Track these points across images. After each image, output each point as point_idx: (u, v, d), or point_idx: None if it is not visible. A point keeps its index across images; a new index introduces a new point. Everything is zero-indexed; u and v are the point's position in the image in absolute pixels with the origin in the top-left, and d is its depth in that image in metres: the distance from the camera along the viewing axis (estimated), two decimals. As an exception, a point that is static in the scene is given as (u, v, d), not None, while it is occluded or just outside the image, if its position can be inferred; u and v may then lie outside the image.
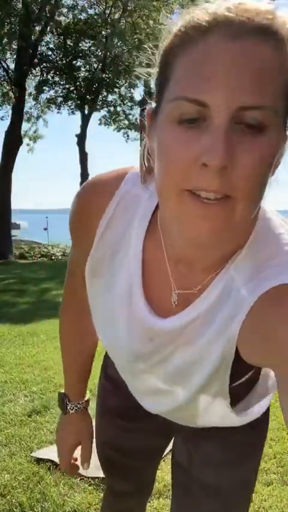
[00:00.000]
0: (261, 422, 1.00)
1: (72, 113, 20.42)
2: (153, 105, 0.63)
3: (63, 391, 1.12)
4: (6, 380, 3.66)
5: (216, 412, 0.83)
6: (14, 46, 16.32)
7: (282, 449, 2.56)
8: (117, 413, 1.09)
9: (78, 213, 0.80)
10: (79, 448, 1.14)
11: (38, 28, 16.55)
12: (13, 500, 2.11)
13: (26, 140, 19.31)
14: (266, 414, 1.02)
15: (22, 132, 17.74)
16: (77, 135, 19.70)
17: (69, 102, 20.41)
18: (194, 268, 0.69)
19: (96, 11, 18.16)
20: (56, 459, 2.38)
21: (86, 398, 1.11)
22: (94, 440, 1.15)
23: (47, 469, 2.37)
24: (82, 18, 18.10)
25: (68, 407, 1.08)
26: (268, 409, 1.04)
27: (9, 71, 16.68)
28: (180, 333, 0.72)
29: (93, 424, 1.15)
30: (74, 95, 20.04)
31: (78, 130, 19.80)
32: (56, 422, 2.85)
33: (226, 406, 0.80)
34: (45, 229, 26.65)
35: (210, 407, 0.82)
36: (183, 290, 0.70)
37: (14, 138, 16.49)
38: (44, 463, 2.41)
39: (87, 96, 20.01)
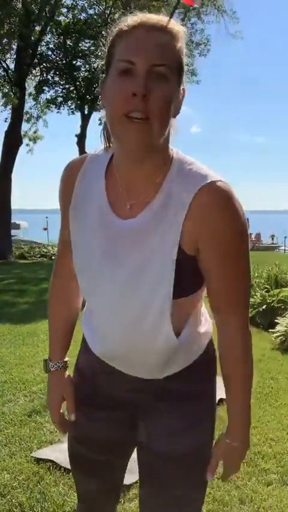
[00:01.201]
0: (206, 390, 1.17)
1: (72, 113, 20.41)
2: (102, 78, 1.01)
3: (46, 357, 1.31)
4: (6, 380, 3.66)
5: (163, 338, 1.03)
6: (14, 46, 16.30)
7: (282, 449, 2.56)
8: (85, 403, 1.22)
9: (62, 182, 1.14)
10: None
11: (38, 28, 16.54)
12: (13, 500, 2.12)
13: (25, 140, 19.29)
14: (210, 377, 1.18)
15: (22, 133, 17.74)
16: (77, 135, 19.69)
17: (69, 102, 20.39)
18: (138, 184, 1.00)
19: (96, 11, 18.16)
20: (56, 459, 2.39)
21: (65, 359, 1.28)
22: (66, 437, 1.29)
23: (47, 469, 2.37)
24: (82, 18, 18.10)
25: (50, 366, 1.26)
26: (211, 367, 1.19)
27: (9, 71, 16.67)
28: (139, 231, 0.99)
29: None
30: (74, 95, 20.03)
31: (78, 131, 19.80)
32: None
33: (168, 326, 1.02)
34: (45, 229, 26.67)
35: (157, 330, 1.02)
36: (134, 201, 1.01)
37: (14, 138, 16.49)
38: (44, 463, 2.42)
39: (87, 96, 20.00)
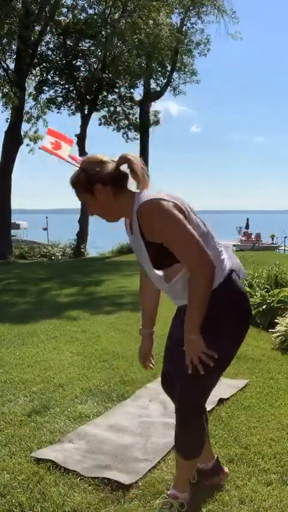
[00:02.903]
0: (210, 315, 1.79)
1: (73, 113, 20.41)
2: None
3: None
4: (6, 380, 3.66)
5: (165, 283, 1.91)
6: (13, 46, 16.29)
7: (282, 449, 2.56)
8: (176, 315, 2.10)
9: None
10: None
11: (38, 28, 16.53)
12: (13, 500, 2.11)
13: (26, 141, 19.28)
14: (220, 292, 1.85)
15: (22, 133, 17.74)
16: (77, 135, 19.68)
17: (69, 103, 20.38)
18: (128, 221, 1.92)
19: (96, 11, 18.14)
20: (55, 459, 2.39)
21: (151, 329, 2.25)
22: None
23: (47, 469, 2.37)
24: (82, 18, 18.07)
25: (142, 333, 2.24)
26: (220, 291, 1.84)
27: (9, 71, 16.66)
28: (133, 241, 1.87)
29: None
30: (73, 95, 20.02)
31: (78, 131, 19.79)
32: (56, 422, 2.86)
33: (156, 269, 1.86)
34: (45, 229, 26.67)
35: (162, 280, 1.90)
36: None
37: (14, 138, 16.48)
38: (44, 463, 2.41)
39: (87, 96, 19.99)
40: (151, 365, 2.22)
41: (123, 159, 1.79)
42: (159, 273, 1.85)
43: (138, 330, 2.23)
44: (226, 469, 2.24)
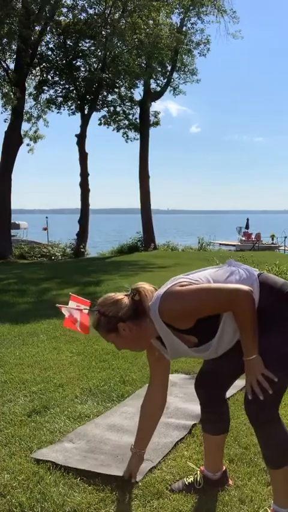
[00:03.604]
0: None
1: (73, 113, 20.40)
2: None
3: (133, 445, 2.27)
4: (6, 380, 3.66)
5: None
6: (13, 46, 16.28)
7: (282, 449, 2.56)
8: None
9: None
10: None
11: (37, 28, 16.53)
12: (13, 500, 2.11)
13: (26, 140, 19.29)
14: None
15: (22, 132, 17.74)
16: (76, 135, 19.68)
17: (69, 103, 20.37)
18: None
19: (96, 11, 18.13)
20: (55, 459, 2.39)
21: (143, 450, 2.24)
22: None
23: (47, 469, 2.37)
24: (82, 18, 18.07)
25: (132, 450, 2.24)
26: None
27: (9, 71, 16.65)
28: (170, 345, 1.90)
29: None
30: (73, 95, 20.02)
31: (78, 130, 19.79)
32: (56, 422, 2.85)
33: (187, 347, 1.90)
34: (45, 229, 26.67)
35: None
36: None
37: (14, 138, 16.49)
38: (44, 463, 2.41)
39: (87, 96, 19.99)
40: (132, 480, 2.20)
41: (136, 292, 1.90)
42: (211, 342, 1.85)
43: (131, 449, 2.24)
44: (231, 481, 2.24)
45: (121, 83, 20.31)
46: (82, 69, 19.97)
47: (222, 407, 2.14)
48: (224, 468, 2.23)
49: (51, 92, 20.14)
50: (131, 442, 2.32)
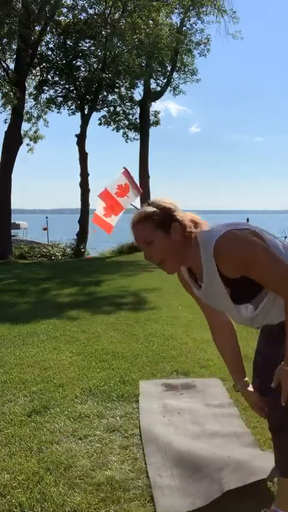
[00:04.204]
0: None
1: (73, 113, 20.39)
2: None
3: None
4: (6, 380, 3.66)
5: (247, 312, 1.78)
6: (13, 46, 16.27)
7: (282, 449, 2.56)
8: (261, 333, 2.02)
9: (180, 280, 1.94)
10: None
11: (37, 28, 16.53)
12: (13, 500, 2.11)
13: (26, 140, 19.28)
14: None
15: (22, 132, 17.73)
16: (76, 135, 19.67)
17: (69, 103, 20.37)
18: (196, 270, 1.76)
19: (96, 11, 18.12)
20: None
21: (244, 380, 1.98)
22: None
23: (46, 469, 2.37)
24: (82, 18, 18.06)
25: (237, 388, 2.01)
26: None
27: (9, 71, 16.65)
28: (206, 292, 1.76)
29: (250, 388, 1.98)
30: (73, 95, 20.01)
31: (78, 130, 19.78)
32: (56, 422, 2.86)
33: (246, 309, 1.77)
34: (45, 229, 26.64)
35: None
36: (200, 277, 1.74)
37: (13, 138, 16.48)
38: (44, 463, 2.42)
39: (87, 96, 19.98)
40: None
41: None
42: (247, 306, 1.73)
43: (233, 387, 2.03)
44: None
45: (121, 83, 20.30)
46: (82, 69, 19.96)
47: None
48: None
49: (51, 92, 20.14)
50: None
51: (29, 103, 19.43)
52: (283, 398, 1.67)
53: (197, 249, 1.66)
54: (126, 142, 21.86)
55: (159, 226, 1.65)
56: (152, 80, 20.32)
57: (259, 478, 2.21)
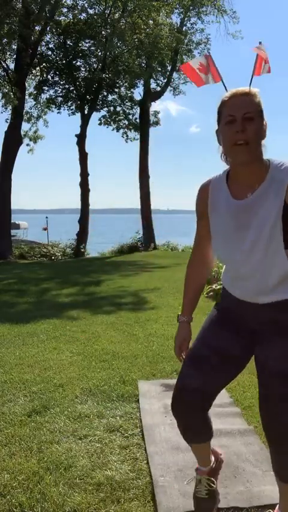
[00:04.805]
0: None
1: (73, 113, 20.40)
2: (216, 128, 1.67)
3: (179, 313, 1.99)
4: (6, 380, 3.66)
5: (277, 257, 1.60)
6: (13, 46, 16.28)
7: (282, 449, 2.56)
8: (215, 322, 1.85)
9: (199, 198, 1.81)
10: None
11: (37, 28, 16.53)
12: (13, 500, 2.11)
13: (26, 140, 19.28)
14: None
15: (22, 132, 17.73)
16: (76, 135, 19.68)
17: (69, 103, 20.37)
18: (250, 179, 1.63)
19: (96, 11, 18.13)
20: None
21: (191, 316, 1.97)
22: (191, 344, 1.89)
23: (46, 469, 2.37)
24: (82, 18, 18.06)
25: (180, 317, 1.97)
26: None
27: (9, 71, 16.65)
28: (256, 201, 1.61)
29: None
30: (73, 95, 20.01)
31: (78, 130, 19.79)
32: (56, 422, 2.85)
33: (280, 244, 1.58)
34: (45, 229, 26.67)
35: (274, 263, 1.60)
36: (250, 189, 1.63)
37: (13, 138, 16.49)
38: (44, 463, 2.42)
39: (87, 96, 19.99)
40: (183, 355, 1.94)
41: None
42: (283, 255, 1.59)
43: (177, 317, 2.00)
44: (222, 453, 2.18)
45: (121, 83, 20.30)
46: (82, 69, 19.97)
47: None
48: (216, 452, 2.10)
49: (51, 92, 20.14)
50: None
51: (29, 103, 19.45)
52: None
53: (262, 164, 1.62)
54: (126, 142, 21.87)
55: (261, 110, 1.62)
56: (152, 80, 20.33)
57: (264, 481, 2.21)
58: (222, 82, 1.96)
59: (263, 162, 1.63)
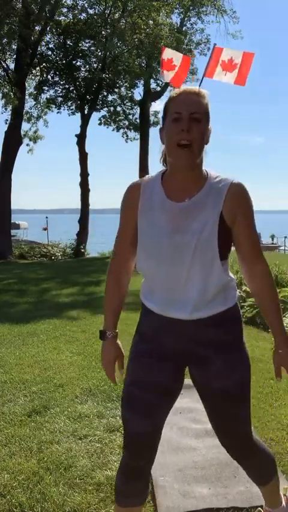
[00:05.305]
0: (242, 339, 1.62)
1: (73, 113, 20.39)
2: (160, 126, 1.59)
3: (101, 329, 1.73)
4: (6, 380, 3.66)
5: (208, 267, 1.51)
6: (13, 46, 16.28)
7: (282, 449, 2.56)
8: (143, 354, 1.63)
9: (128, 198, 1.64)
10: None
11: (37, 28, 16.52)
12: (13, 500, 2.11)
13: (26, 140, 19.27)
14: (237, 314, 1.64)
15: (22, 132, 17.73)
16: (76, 135, 19.68)
17: (69, 103, 20.36)
18: (189, 185, 1.54)
19: (96, 11, 18.12)
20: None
21: (116, 330, 1.74)
22: (124, 384, 1.68)
23: (46, 469, 2.37)
24: (82, 18, 18.05)
25: (107, 334, 1.71)
26: (238, 312, 1.65)
27: (9, 71, 16.65)
28: (195, 207, 1.51)
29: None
30: (73, 95, 20.01)
31: (78, 130, 19.78)
32: (56, 422, 2.86)
33: (216, 253, 1.50)
34: (45, 229, 26.69)
35: (210, 274, 1.51)
36: (188, 194, 1.54)
37: (13, 138, 16.48)
38: (44, 463, 2.42)
39: (87, 96, 19.98)
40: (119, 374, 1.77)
41: None
42: (219, 265, 1.52)
43: (99, 335, 1.75)
44: None
45: (121, 83, 20.29)
46: (82, 69, 19.95)
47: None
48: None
49: (51, 92, 20.13)
50: None
51: (29, 103, 19.43)
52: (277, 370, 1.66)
53: (201, 172, 1.56)
54: (126, 142, 21.85)
55: (208, 114, 1.54)
56: (152, 80, 20.32)
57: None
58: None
59: (202, 169, 1.56)
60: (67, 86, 20.00)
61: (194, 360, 1.59)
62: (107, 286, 1.77)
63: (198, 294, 1.53)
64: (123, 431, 1.68)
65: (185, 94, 1.52)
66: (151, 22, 16.95)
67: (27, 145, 19.91)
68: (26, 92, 17.98)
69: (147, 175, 1.66)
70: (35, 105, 19.86)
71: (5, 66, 16.67)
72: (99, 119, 21.13)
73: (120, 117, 21.17)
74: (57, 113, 20.62)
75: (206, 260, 1.50)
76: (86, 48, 19.18)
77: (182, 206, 1.52)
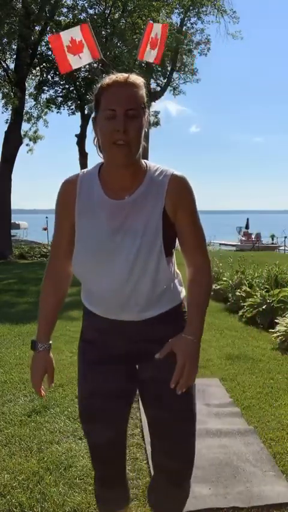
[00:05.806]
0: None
1: (73, 113, 20.40)
2: (94, 115, 1.44)
3: (34, 338, 1.66)
4: (6, 380, 3.66)
5: (153, 267, 1.42)
6: (13, 46, 16.27)
7: (282, 449, 2.56)
8: (94, 361, 1.55)
9: (63, 195, 1.51)
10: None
11: (38, 28, 16.52)
12: (13, 500, 2.11)
13: (26, 140, 19.27)
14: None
15: (22, 133, 17.73)
16: (76, 135, 19.68)
17: (69, 103, 20.37)
18: (127, 181, 1.44)
19: (96, 11, 18.12)
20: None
21: (50, 341, 1.65)
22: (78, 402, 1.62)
23: (46, 469, 2.37)
24: (82, 18, 18.05)
25: (39, 346, 1.63)
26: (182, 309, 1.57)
27: (9, 71, 16.64)
28: (136, 203, 1.42)
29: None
30: (73, 95, 20.02)
31: (78, 130, 19.79)
32: (56, 422, 2.86)
33: (161, 253, 1.43)
34: (45, 229, 26.67)
35: (156, 273, 1.43)
36: (127, 191, 1.44)
37: (14, 138, 16.48)
38: (44, 463, 2.42)
39: (87, 96, 19.99)
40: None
41: None
42: (165, 264, 1.45)
43: (31, 345, 1.69)
44: None
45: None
46: (82, 69, 19.96)
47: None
48: None
49: (51, 92, 20.14)
50: None
51: (29, 103, 19.43)
52: (176, 376, 1.42)
53: (140, 165, 1.45)
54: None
55: (145, 104, 1.40)
56: (152, 80, 20.32)
57: (264, 483, 2.21)
58: (103, 59, 1.64)
59: (141, 162, 1.45)
60: (67, 86, 20.01)
61: (147, 358, 1.49)
62: (42, 292, 1.64)
63: (144, 295, 1.44)
64: (88, 445, 1.66)
65: (118, 86, 1.35)
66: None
67: (27, 145, 19.92)
68: (26, 92, 17.97)
69: (84, 169, 1.55)
70: (35, 105, 19.87)
71: (5, 66, 16.66)
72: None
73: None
74: (57, 112, 20.64)
75: (151, 260, 1.41)
76: (86, 48, 19.21)
77: (122, 204, 1.42)
